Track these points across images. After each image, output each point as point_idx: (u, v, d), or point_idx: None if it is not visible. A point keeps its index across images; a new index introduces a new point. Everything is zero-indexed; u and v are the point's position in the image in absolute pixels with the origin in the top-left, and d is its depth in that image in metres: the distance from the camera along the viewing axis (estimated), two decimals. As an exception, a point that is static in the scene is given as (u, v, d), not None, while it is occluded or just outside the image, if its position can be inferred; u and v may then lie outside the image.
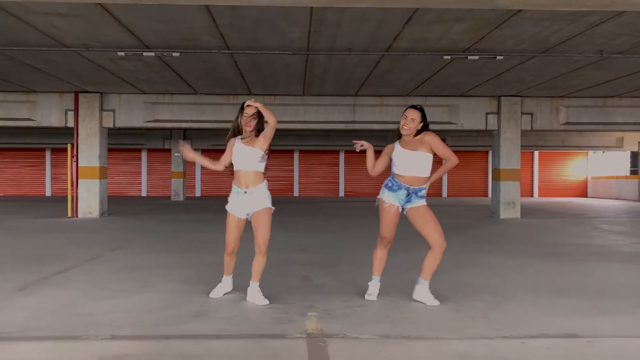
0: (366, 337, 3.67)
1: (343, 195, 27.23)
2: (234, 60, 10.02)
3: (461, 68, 10.48)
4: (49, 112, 13.46)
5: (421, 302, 4.55)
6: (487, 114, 13.80)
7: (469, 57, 9.37)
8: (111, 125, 13.56)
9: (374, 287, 4.76)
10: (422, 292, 4.60)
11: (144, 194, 27.19)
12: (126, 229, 10.63)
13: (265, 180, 4.63)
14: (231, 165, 4.65)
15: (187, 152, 4.72)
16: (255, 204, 4.53)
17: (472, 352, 3.39)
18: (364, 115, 13.80)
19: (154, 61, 10.09)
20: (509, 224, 12.26)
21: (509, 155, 13.72)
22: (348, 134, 23.26)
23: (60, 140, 22.25)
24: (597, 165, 28.11)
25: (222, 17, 7.55)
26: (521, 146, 14.06)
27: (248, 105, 4.57)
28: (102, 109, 13.47)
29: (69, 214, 13.48)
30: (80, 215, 13.27)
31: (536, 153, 27.78)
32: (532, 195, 27.71)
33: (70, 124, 13.44)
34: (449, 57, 9.43)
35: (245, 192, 4.52)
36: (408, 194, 4.52)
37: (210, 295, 4.79)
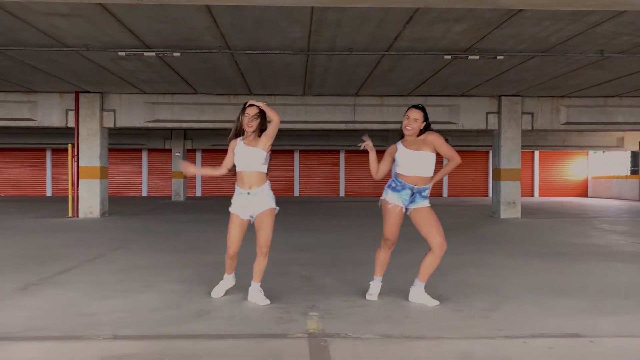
0: (367, 336, 3.68)
1: (343, 195, 27.23)
2: (234, 60, 10.03)
3: (462, 68, 10.48)
4: (49, 112, 13.47)
5: (421, 303, 4.55)
6: (487, 113, 13.80)
7: (470, 57, 9.38)
8: (112, 125, 13.57)
9: (375, 287, 4.76)
10: (418, 293, 4.60)
11: (144, 194, 27.20)
12: (127, 229, 10.64)
13: (268, 181, 4.60)
14: (234, 167, 4.62)
15: (188, 168, 4.71)
16: (259, 204, 4.50)
17: (473, 351, 3.39)
18: (365, 115, 13.81)
19: (155, 61, 10.09)
20: (510, 223, 12.27)
21: (510, 155, 13.72)
22: (348, 134, 23.29)
23: (61, 141, 22.25)
24: (597, 165, 28.10)
25: (222, 17, 7.56)
26: (521, 146, 14.07)
27: (250, 105, 4.54)
28: (102, 109, 13.48)
29: (70, 214, 13.49)
30: (81, 215, 13.27)
31: (536, 153, 27.78)
32: (532, 195, 27.71)
33: (71, 124, 13.45)
34: (449, 57, 9.43)
35: (248, 193, 4.49)
36: (412, 194, 4.50)
37: (211, 294, 4.79)
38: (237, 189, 4.58)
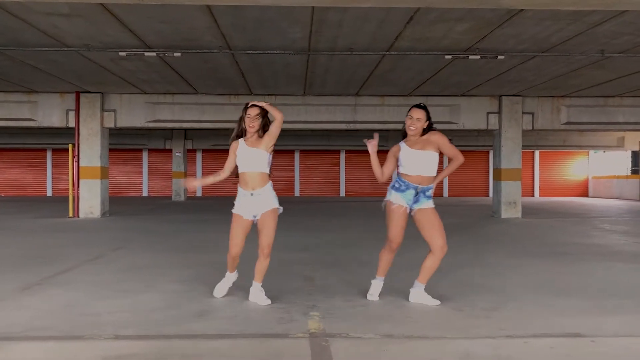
0: (369, 336, 3.68)
1: (344, 195, 27.23)
2: (235, 60, 10.03)
3: (462, 68, 10.48)
4: (50, 113, 13.47)
5: (421, 303, 4.55)
6: (488, 113, 13.80)
7: (470, 57, 9.37)
8: (112, 126, 13.57)
9: (376, 287, 4.75)
10: (418, 294, 4.60)
11: (145, 194, 27.20)
12: (127, 229, 10.64)
13: (270, 181, 4.58)
14: (235, 169, 4.58)
15: (191, 182, 4.65)
16: (262, 205, 4.48)
17: (475, 351, 3.39)
18: (365, 115, 13.80)
19: (155, 61, 10.09)
20: (510, 223, 12.26)
21: (510, 155, 13.72)
22: (349, 134, 23.28)
23: (62, 141, 22.24)
24: (598, 164, 28.09)
25: (223, 17, 7.56)
26: (522, 146, 14.06)
27: (251, 106, 4.52)
28: (103, 109, 13.48)
29: (70, 214, 13.49)
30: (81, 215, 13.27)
31: (537, 153, 27.77)
32: (533, 195, 27.70)
33: (72, 124, 13.45)
34: (450, 56, 9.42)
35: (252, 194, 4.46)
36: (416, 194, 4.48)
37: (214, 294, 4.77)
38: (240, 190, 4.53)
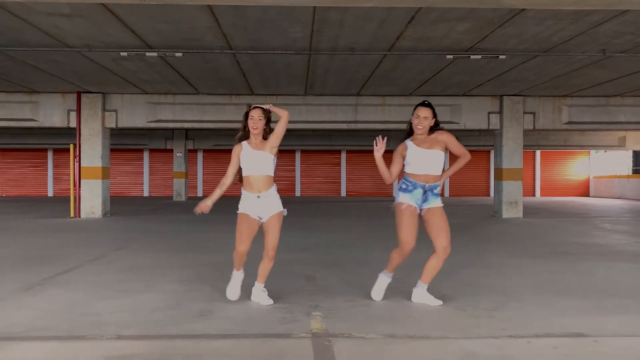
0: (371, 336, 3.67)
1: (345, 195, 27.22)
2: (236, 60, 10.03)
3: (463, 67, 10.48)
4: (51, 113, 13.47)
5: (424, 303, 4.55)
6: (489, 113, 13.79)
7: (472, 57, 9.36)
8: (113, 126, 13.57)
9: (381, 283, 4.67)
10: (421, 294, 4.59)
11: (146, 194, 27.21)
12: (129, 229, 10.64)
13: (275, 184, 4.56)
14: (239, 172, 4.53)
15: (203, 205, 4.49)
16: (268, 208, 4.45)
17: (478, 351, 3.38)
18: (366, 115, 13.80)
19: (157, 61, 10.09)
20: (512, 223, 12.26)
21: (511, 154, 13.71)
22: (350, 134, 23.28)
23: (63, 141, 22.24)
24: (599, 164, 28.07)
25: (224, 17, 7.55)
26: (523, 146, 14.05)
27: (254, 107, 4.49)
28: (104, 109, 13.48)
29: (72, 214, 13.49)
30: (82, 215, 13.27)
31: (538, 152, 27.74)
32: (534, 195, 27.67)
33: (73, 124, 13.45)
34: (451, 56, 9.42)
35: (258, 197, 4.42)
36: (424, 192, 4.47)
37: (228, 297, 4.62)
38: (245, 193, 4.48)
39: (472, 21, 7.67)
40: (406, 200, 4.46)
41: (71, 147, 13.67)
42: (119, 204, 18.20)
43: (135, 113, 13.60)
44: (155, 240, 8.79)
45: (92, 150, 13.32)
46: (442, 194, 19.39)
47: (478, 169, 27.46)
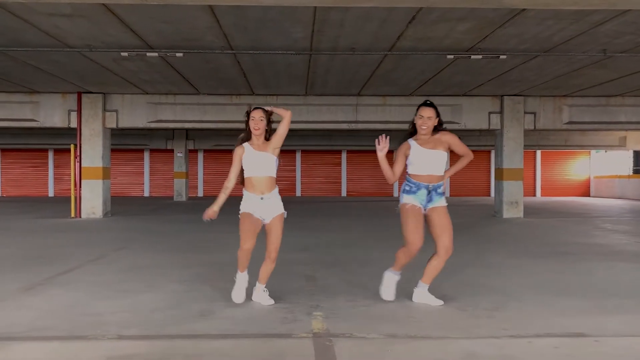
0: (372, 336, 3.67)
1: (345, 195, 27.22)
2: (237, 60, 10.03)
3: (464, 67, 10.48)
4: (52, 113, 13.48)
5: (425, 303, 4.54)
6: (489, 113, 13.79)
7: (472, 57, 9.36)
8: (114, 126, 13.57)
9: (389, 281, 4.62)
10: (422, 294, 4.59)
11: (146, 194, 27.22)
12: (129, 229, 10.65)
13: (277, 185, 4.55)
14: (240, 174, 4.51)
15: (210, 211, 4.43)
16: (271, 210, 4.44)
17: (479, 351, 3.38)
18: (367, 115, 13.80)
19: (157, 61, 10.10)
20: (512, 223, 12.25)
21: (512, 154, 13.70)
22: (350, 134, 23.28)
23: (63, 141, 22.26)
24: (599, 164, 28.06)
25: (225, 17, 7.55)
26: (524, 146, 14.05)
27: (255, 108, 4.49)
28: (105, 110, 13.49)
29: (72, 215, 13.50)
30: (83, 215, 13.28)
31: (539, 152, 27.74)
32: (534, 195, 27.67)
33: (74, 124, 13.46)
34: (452, 56, 9.42)
35: (261, 198, 4.41)
36: (429, 193, 4.46)
37: (233, 300, 4.55)
38: (248, 194, 4.45)
39: (472, 21, 7.67)
40: (411, 201, 4.45)
41: (72, 147, 13.68)
42: (120, 204, 18.21)
43: (135, 113, 13.60)
44: (156, 240, 8.79)
45: (92, 151, 13.32)
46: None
47: (479, 169, 27.46)
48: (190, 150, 25.06)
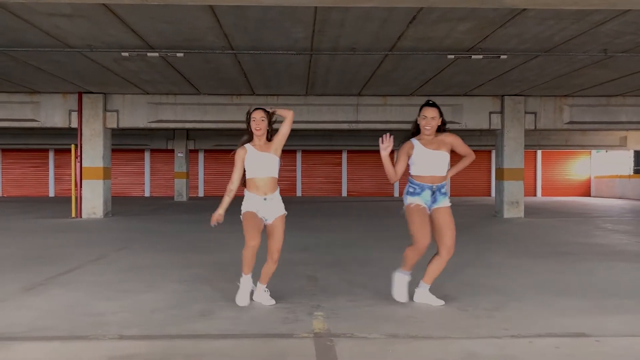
0: (374, 336, 3.67)
1: (346, 195, 27.22)
2: (237, 60, 10.03)
3: (465, 67, 10.47)
4: (52, 113, 13.49)
5: (426, 303, 4.54)
6: (490, 113, 13.79)
7: (473, 57, 9.36)
8: (115, 126, 13.58)
9: (399, 282, 4.58)
10: (423, 294, 4.58)
11: (147, 194, 27.22)
12: (130, 229, 10.65)
13: (278, 186, 4.55)
14: (243, 176, 4.50)
15: (217, 215, 4.44)
16: (274, 211, 4.44)
17: (480, 351, 3.38)
18: (367, 115, 13.79)
19: (158, 61, 10.10)
20: (513, 223, 12.25)
21: (513, 154, 13.70)
22: (351, 134, 23.28)
23: (64, 141, 22.28)
24: (600, 164, 28.05)
25: (226, 17, 7.56)
26: (524, 145, 14.05)
27: (255, 109, 4.50)
28: (105, 110, 13.49)
29: (73, 215, 13.50)
30: (84, 215, 13.28)
31: (539, 152, 27.73)
32: (535, 195, 27.66)
33: (74, 124, 13.47)
34: (452, 56, 9.41)
35: (265, 199, 4.40)
36: (433, 193, 4.45)
37: (237, 303, 4.48)
38: (250, 194, 4.43)
39: (473, 21, 7.67)
40: (416, 201, 4.45)
41: (72, 147, 13.68)
42: (120, 204, 18.21)
43: (136, 113, 13.61)
44: (156, 241, 8.79)
45: (93, 151, 13.33)
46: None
47: (479, 169, 27.46)
48: (190, 151, 25.07)
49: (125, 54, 9.27)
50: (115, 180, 26.04)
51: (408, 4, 5.21)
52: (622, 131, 22.62)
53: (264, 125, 4.45)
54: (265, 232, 4.48)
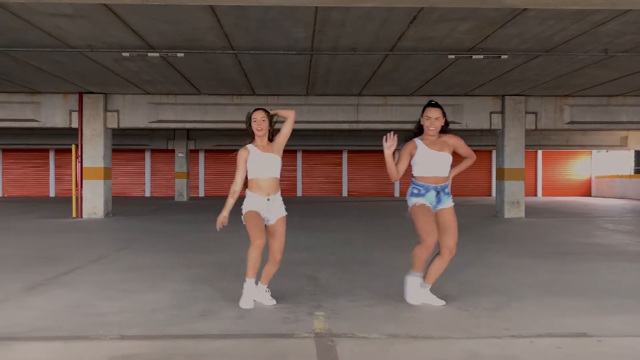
0: (374, 336, 3.67)
1: (346, 195, 27.22)
2: (238, 60, 10.03)
3: (465, 67, 10.47)
4: (53, 113, 13.49)
5: (427, 304, 4.54)
6: (491, 113, 13.79)
7: (474, 57, 9.36)
8: (115, 126, 13.58)
9: (412, 285, 4.52)
10: (424, 294, 4.58)
11: (147, 194, 27.23)
12: (131, 230, 10.65)
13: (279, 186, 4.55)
14: (245, 177, 4.48)
15: (222, 216, 4.38)
16: (276, 211, 4.44)
17: (481, 351, 3.38)
18: (368, 115, 13.79)
19: (158, 62, 10.10)
20: (514, 223, 12.25)
21: (513, 154, 13.70)
22: (351, 134, 23.27)
23: (64, 141, 22.26)
24: (601, 164, 28.04)
25: (226, 17, 7.56)
26: (525, 145, 14.04)
27: (256, 110, 4.50)
28: (106, 110, 13.50)
29: (74, 215, 13.50)
30: (84, 215, 13.29)
31: (540, 152, 27.72)
32: (535, 195, 27.65)
33: (75, 124, 13.47)
34: (453, 56, 9.41)
35: (268, 200, 4.40)
36: (437, 194, 4.45)
37: (241, 306, 4.40)
38: (253, 195, 4.41)
39: (473, 21, 7.67)
40: (420, 201, 4.44)
41: (73, 147, 13.68)
42: (121, 205, 18.21)
43: (137, 113, 13.61)
44: (157, 241, 8.79)
45: (94, 151, 13.33)
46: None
47: (480, 169, 27.45)
48: (191, 151, 25.06)
49: (126, 54, 9.28)
50: (116, 180, 26.03)
51: (408, 4, 5.22)
52: (622, 131, 22.61)
53: (265, 125, 4.45)
54: (266, 233, 4.49)
